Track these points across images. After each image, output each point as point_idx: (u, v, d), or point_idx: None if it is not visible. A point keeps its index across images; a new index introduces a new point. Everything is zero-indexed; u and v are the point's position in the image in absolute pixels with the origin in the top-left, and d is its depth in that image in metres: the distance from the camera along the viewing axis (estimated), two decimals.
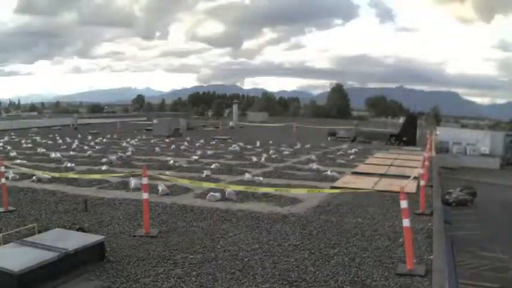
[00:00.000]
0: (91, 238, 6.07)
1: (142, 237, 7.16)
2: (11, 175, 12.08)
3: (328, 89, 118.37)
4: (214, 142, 25.91)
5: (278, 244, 6.95)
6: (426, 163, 12.19)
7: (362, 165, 17.01)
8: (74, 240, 5.80)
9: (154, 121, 32.77)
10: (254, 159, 17.22)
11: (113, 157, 17.15)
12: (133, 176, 11.04)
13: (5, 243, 6.00)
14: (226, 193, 10.25)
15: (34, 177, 12.14)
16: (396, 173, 14.87)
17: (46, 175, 12.08)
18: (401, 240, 6.93)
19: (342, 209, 9.44)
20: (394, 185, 11.87)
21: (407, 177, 13.37)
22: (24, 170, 12.37)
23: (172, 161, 16.18)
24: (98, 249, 5.93)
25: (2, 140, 25.15)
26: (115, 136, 29.87)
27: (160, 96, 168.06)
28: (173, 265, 5.95)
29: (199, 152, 19.57)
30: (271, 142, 26.05)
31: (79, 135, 29.35)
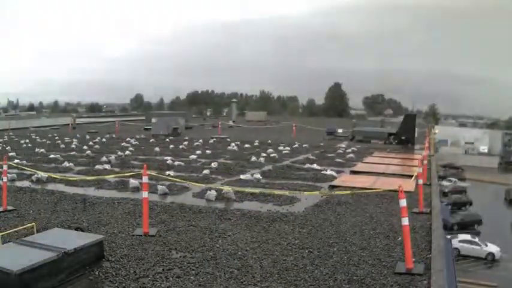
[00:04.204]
0: (90, 238, 6.07)
1: (141, 236, 7.16)
2: (9, 175, 12.06)
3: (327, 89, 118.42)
4: (212, 141, 25.90)
5: (277, 243, 6.96)
6: (424, 162, 12.22)
7: (360, 164, 17.03)
8: (72, 239, 5.79)
9: (153, 120, 32.69)
10: (253, 158, 17.22)
11: (112, 157, 17.14)
12: (132, 176, 11.05)
13: (4, 243, 6.00)
14: (224, 192, 10.25)
15: (33, 176, 12.13)
16: (395, 171, 14.90)
17: (45, 174, 12.08)
18: (400, 239, 6.95)
19: (340, 207, 9.45)
20: (392, 184, 11.90)
21: (406, 176, 13.44)
22: (23, 168, 12.37)
23: (170, 161, 16.17)
24: (97, 248, 5.93)
25: (0, 140, 25.14)
26: (114, 136, 29.85)
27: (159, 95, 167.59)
28: (172, 264, 5.95)
29: (198, 152, 19.56)
30: (269, 141, 26.05)
31: (78, 135, 29.32)
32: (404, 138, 26.62)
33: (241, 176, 13.13)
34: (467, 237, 35.02)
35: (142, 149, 21.44)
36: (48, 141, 24.93)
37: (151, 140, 25.92)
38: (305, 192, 10.73)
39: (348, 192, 10.39)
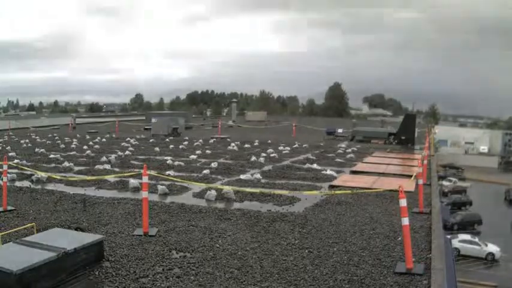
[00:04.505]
0: (90, 237, 6.07)
1: (141, 236, 7.15)
2: (9, 175, 12.05)
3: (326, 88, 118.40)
4: (212, 141, 25.90)
5: (277, 243, 6.95)
6: (424, 162, 12.22)
7: (360, 164, 17.03)
8: (72, 239, 5.79)
9: (153, 120, 32.68)
10: (253, 158, 17.22)
11: (112, 157, 17.14)
12: (132, 176, 11.05)
13: (4, 243, 6.00)
14: (224, 192, 10.25)
15: (33, 176, 12.13)
16: (395, 171, 14.90)
17: (44, 175, 12.08)
18: (400, 239, 6.95)
19: (340, 207, 9.45)
20: (392, 184, 11.90)
21: (406, 176, 13.44)
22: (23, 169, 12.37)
23: (170, 161, 16.17)
24: (97, 248, 5.92)
25: (0, 140, 25.14)
26: (114, 135, 29.86)
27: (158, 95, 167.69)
28: (172, 264, 5.95)
29: (198, 152, 19.56)
30: (269, 141, 26.05)
31: (78, 135, 29.32)
32: (404, 138, 26.63)
33: (241, 176, 13.13)
34: (467, 237, 35.02)
35: (142, 149, 21.44)
36: (48, 141, 24.92)
37: (151, 140, 25.93)
38: (305, 192, 10.74)
39: (348, 191, 10.40)
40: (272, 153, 19.42)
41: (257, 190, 10.59)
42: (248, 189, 10.60)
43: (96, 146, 22.09)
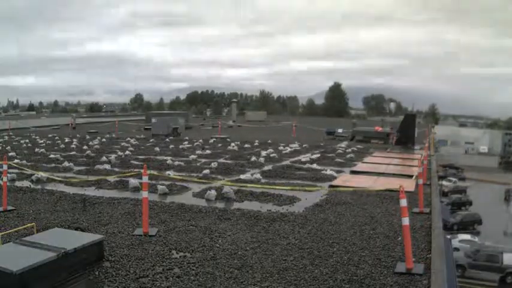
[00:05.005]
0: (90, 237, 6.07)
1: (141, 236, 7.15)
2: (9, 175, 12.05)
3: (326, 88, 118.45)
4: (212, 141, 25.90)
5: (277, 243, 6.95)
6: (424, 162, 12.22)
7: (360, 164, 17.03)
8: (72, 239, 5.79)
9: (153, 120, 32.71)
10: (253, 158, 17.22)
11: (112, 157, 17.14)
12: (132, 176, 11.06)
13: (4, 243, 6.00)
14: (224, 192, 10.25)
15: (33, 176, 12.13)
16: (395, 172, 14.90)
17: (44, 175, 12.08)
18: (399, 238, 6.95)
19: (340, 207, 9.45)
20: (392, 183, 11.90)
21: (406, 176, 13.45)
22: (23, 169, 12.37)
23: (170, 161, 16.17)
24: (97, 248, 5.92)
25: (0, 140, 25.15)
26: (113, 135, 29.86)
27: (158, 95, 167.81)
28: (172, 264, 5.95)
29: (197, 152, 19.56)
30: (269, 141, 26.05)
31: (78, 135, 29.33)
32: (404, 138, 26.61)
33: (241, 176, 13.14)
34: (467, 237, 35.04)
35: (142, 149, 21.44)
36: (48, 141, 24.92)
37: (151, 140, 25.93)
38: (306, 188, 10.74)
39: (349, 189, 10.40)
40: (272, 153, 19.41)
41: (258, 185, 10.61)
42: (249, 185, 10.63)
43: (96, 146, 22.09)
